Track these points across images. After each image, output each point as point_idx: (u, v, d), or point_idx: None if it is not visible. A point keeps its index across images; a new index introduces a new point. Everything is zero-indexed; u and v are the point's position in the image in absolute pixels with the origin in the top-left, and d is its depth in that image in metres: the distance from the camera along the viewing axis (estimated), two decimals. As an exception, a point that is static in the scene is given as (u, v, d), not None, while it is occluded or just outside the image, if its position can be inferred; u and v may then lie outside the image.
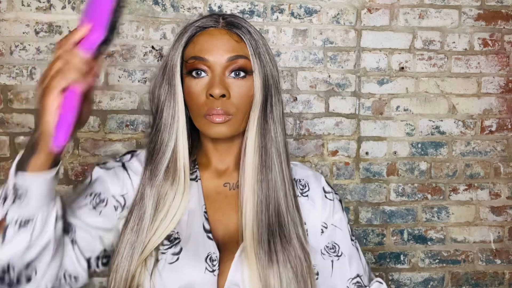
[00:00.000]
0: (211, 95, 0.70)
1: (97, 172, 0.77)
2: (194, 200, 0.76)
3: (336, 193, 0.84)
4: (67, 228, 0.69)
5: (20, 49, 1.46)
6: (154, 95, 0.76)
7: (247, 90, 0.72)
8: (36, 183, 0.59)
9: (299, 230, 0.74)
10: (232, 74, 0.71)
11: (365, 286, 0.79)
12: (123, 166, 0.78)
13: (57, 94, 0.58)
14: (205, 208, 0.75)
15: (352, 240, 0.81)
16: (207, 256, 0.70)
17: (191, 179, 0.77)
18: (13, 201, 0.59)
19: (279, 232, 0.72)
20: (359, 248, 0.83)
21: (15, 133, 1.48)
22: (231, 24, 0.73)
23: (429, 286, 1.65)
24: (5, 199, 0.59)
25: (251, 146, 0.74)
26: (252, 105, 0.73)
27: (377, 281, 0.80)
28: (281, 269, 0.69)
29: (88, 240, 0.71)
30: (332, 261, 0.78)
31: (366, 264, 0.82)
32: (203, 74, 0.72)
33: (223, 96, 0.70)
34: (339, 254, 0.78)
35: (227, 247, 0.72)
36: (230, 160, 0.79)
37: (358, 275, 0.78)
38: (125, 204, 0.75)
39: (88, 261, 0.72)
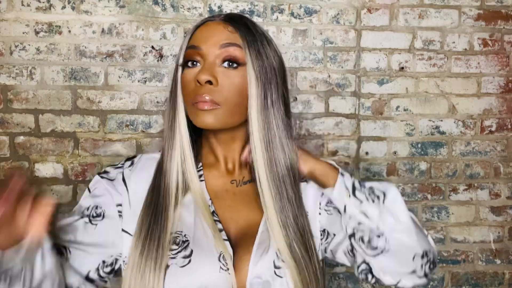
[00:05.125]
0: (198, 82, 0.70)
1: (96, 182, 0.76)
2: (199, 200, 0.75)
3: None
4: (61, 251, 0.68)
5: (20, 49, 1.46)
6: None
7: (239, 81, 0.71)
8: (8, 257, 0.57)
9: (302, 219, 0.75)
10: (225, 64, 0.71)
11: None
12: (123, 176, 0.76)
13: None
14: (214, 208, 0.75)
15: None
16: (220, 255, 0.69)
17: None
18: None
19: (293, 221, 0.73)
20: None
21: (15, 133, 1.48)
22: (229, 17, 0.74)
23: (429, 286, 1.65)
24: None
25: (256, 141, 0.73)
26: (247, 98, 0.72)
27: None
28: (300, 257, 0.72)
29: (85, 256, 0.71)
30: (333, 208, 0.79)
31: None
32: (198, 64, 0.72)
33: (210, 83, 0.70)
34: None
35: (241, 243, 0.72)
36: (235, 156, 0.79)
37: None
38: (121, 214, 0.74)
39: (88, 274, 0.72)
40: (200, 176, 0.78)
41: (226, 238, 0.72)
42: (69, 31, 1.48)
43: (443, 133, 1.63)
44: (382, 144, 1.61)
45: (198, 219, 0.73)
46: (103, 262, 0.73)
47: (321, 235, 0.79)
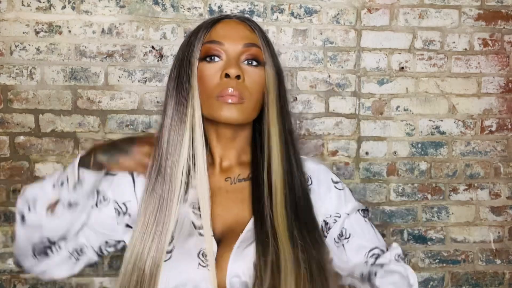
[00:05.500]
0: (226, 75, 0.72)
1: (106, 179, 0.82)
2: (193, 196, 0.75)
3: (343, 183, 0.86)
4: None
5: (20, 49, 1.46)
6: (168, 90, 0.78)
7: (260, 78, 0.75)
8: (92, 178, 0.74)
9: (314, 217, 0.76)
10: (245, 62, 0.74)
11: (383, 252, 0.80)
12: (132, 176, 0.80)
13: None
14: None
15: (365, 221, 0.83)
16: (199, 252, 0.70)
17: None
18: (73, 187, 0.73)
19: (299, 220, 0.73)
20: (374, 227, 0.84)
21: (15, 133, 1.48)
22: (243, 18, 0.78)
23: (429, 286, 1.65)
24: (62, 183, 0.74)
25: (275, 137, 0.75)
26: (263, 96, 0.76)
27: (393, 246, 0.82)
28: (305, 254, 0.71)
29: (89, 234, 0.79)
30: (343, 244, 0.79)
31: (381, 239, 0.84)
32: (217, 59, 0.74)
33: (238, 78, 0.72)
34: (347, 237, 0.79)
35: (224, 241, 0.72)
36: (233, 154, 0.80)
37: (374, 247, 0.80)
38: (126, 211, 0.78)
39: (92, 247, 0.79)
40: None
41: (212, 234, 0.72)
42: (69, 31, 1.48)
43: (443, 133, 1.63)
44: (382, 144, 1.61)
45: (187, 215, 0.74)
46: (106, 242, 0.80)
47: None
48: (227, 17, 0.78)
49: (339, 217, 0.80)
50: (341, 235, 0.79)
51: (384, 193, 1.62)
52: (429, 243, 1.64)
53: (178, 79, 0.76)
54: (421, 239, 1.64)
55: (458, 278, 1.66)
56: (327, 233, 0.79)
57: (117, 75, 1.50)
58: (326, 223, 0.79)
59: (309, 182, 0.81)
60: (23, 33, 1.46)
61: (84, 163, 0.74)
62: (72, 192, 0.73)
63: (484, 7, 1.61)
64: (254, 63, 0.75)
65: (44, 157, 1.49)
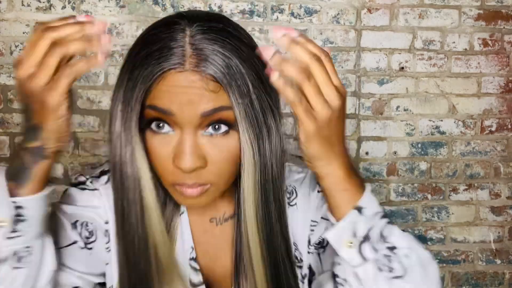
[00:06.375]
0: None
1: (74, 194, 0.61)
2: (179, 242, 0.61)
3: None
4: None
5: (20, 49, 1.46)
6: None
7: (232, 149, 0.52)
8: (36, 205, 0.49)
9: (290, 259, 0.61)
10: (210, 129, 0.50)
11: None
12: (100, 192, 0.61)
13: (67, 85, 0.46)
14: (195, 254, 0.63)
15: None
16: None
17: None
18: (12, 231, 0.47)
19: (283, 265, 0.60)
20: None
21: (15, 133, 1.48)
22: (204, 59, 0.48)
23: (429, 286, 1.65)
24: None
25: (249, 186, 0.55)
26: (240, 161, 0.53)
27: None
28: None
29: (75, 281, 0.59)
30: (319, 253, 0.63)
31: None
32: (167, 128, 0.51)
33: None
34: (324, 245, 0.62)
35: None
36: None
37: None
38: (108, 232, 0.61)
39: None
40: (179, 208, 0.64)
41: None
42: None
43: (443, 133, 1.63)
44: (382, 144, 1.61)
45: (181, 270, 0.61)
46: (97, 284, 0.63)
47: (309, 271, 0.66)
48: (178, 64, 0.49)
49: (317, 223, 0.63)
50: (318, 244, 0.62)
51: (384, 193, 1.62)
52: (429, 243, 1.64)
53: (120, 148, 0.54)
54: (421, 239, 1.64)
55: (458, 278, 1.66)
56: (311, 245, 0.64)
57: (117, 75, 1.50)
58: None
59: (294, 196, 0.65)
60: (23, 33, 1.46)
61: (14, 189, 0.48)
62: (12, 238, 0.47)
63: (484, 7, 1.61)
64: (223, 128, 0.51)
65: (44, 157, 1.49)
